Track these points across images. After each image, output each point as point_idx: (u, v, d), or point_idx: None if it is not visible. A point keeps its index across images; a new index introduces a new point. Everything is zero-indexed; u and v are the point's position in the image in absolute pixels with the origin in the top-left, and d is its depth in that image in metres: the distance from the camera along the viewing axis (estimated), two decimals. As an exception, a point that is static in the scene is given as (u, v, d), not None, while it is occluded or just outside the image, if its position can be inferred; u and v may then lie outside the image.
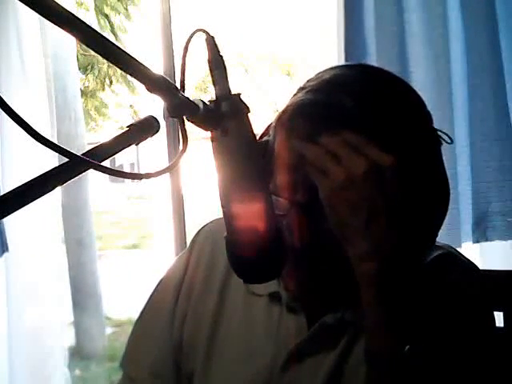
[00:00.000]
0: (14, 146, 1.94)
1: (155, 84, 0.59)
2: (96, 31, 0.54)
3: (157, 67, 1.92)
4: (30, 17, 1.94)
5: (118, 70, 0.61)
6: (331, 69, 0.80)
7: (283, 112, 0.79)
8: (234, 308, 0.90)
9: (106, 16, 8.09)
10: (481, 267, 0.87)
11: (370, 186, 0.68)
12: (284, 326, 0.85)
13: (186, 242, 1.95)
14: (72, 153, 0.51)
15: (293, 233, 0.76)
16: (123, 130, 0.59)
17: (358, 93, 0.75)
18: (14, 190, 0.50)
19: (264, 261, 0.68)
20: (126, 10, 8.22)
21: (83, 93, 8.26)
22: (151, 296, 0.97)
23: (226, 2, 11.87)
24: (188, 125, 0.63)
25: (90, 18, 7.45)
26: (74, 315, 4.94)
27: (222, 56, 0.66)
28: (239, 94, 0.66)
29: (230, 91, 0.65)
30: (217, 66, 0.66)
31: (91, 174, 1.94)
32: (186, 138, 0.63)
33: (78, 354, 4.73)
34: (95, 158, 0.54)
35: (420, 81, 1.65)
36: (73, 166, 0.53)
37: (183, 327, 0.92)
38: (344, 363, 0.82)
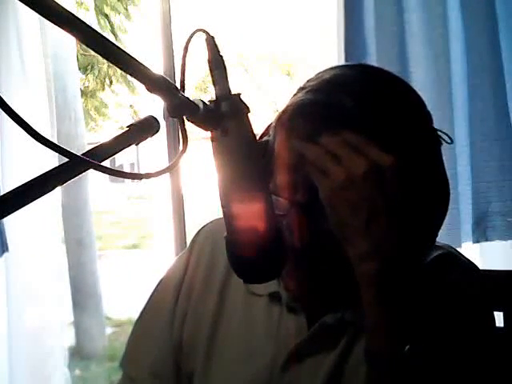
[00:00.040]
0: (14, 146, 1.94)
1: (155, 84, 0.59)
2: (96, 31, 0.54)
3: (157, 67, 1.92)
4: (30, 17, 1.94)
5: (118, 70, 0.61)
6: (331, 69, 0.80)
7: (283, 112, 0.79)
8: (234, 308, 0.90)
9: (106, 16, 8.09)
10: (481, 267, 0.87)
11: (370, 185, 0.68)
12: (284, 326, 0.85)
13: (185, 242, 1.95)
14: (72, 153, 0.51)
15: (293, 233, 0.76)
16: (123, 130, 0.59)
17: (358, 93, 0.75)
18: (13, 189, 0.50)
19: (264, 261, 0.68)
20: (126, 10, 8.22)
21: (83, 93, 8.27)
22: (151, 296, 0.97)
23: (225, 2, 11.87)
24: (188, 125, 0.63)
25: (89, 18, 7.45)
26: (74, 315, 4.94)
27: (221, 56, 0.66)
28: (239, 94, 0.66)
29: (229, 91, 0.65)
30: (217, 66, 0.66)
31: (91, 174, 1.94)
32: (186, 138, 0.63)
33: (78, 354, 4.73)
34: (95, 158, 0.54)
35: (420, 81, 1.65)
36: (73, 166, 0.53)
37: (183, 327, 0.92)
38: (344, 363, 0.82)
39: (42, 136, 0.49)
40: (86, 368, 4.62)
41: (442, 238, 0.84)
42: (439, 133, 0.79)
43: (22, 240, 1.98)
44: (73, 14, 0.52)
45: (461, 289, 0.81)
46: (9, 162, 1.95)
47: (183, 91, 0.62)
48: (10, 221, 1.91)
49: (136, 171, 4.69)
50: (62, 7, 0.51)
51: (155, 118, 0.60)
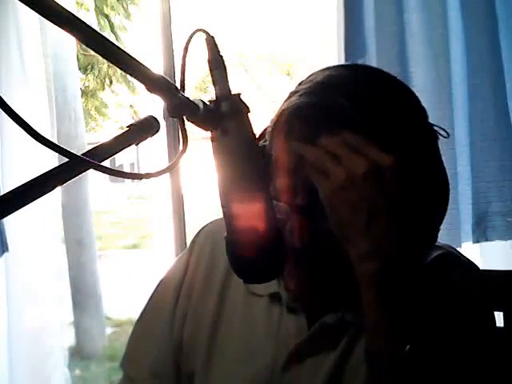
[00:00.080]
0: (14, 146, 1.94)
1: (155, 84, 0.59)
2: (96, 31, 0.54)
3: (157, 67, 1.92)
4: (30, 17, 1.94)
5: (118, 69, 0.61)
6: (323, 70, 0.79)
7: (279, 116, 0.78)
8: (234, 308, 0.90)
9: (106, 16, 8.10)
10: (481, 267, 0.87)
11: (370, 185, 0.68)
12: (284, 326, 0.85)
13: (185, 242, 1.95)
14: (72, 153, 0.51)
15: (293, 233, 0.76)
16: (123, 130, 0.59)
17: (353, 93, 0.75)
18: (13, 189, 0.50)
19: (264, 261, 0.68)
20: (126, 9, 8.23)
21: (83, 93, 8.27)
22: (151, 296, 0.97)
23: (226, 2, 11.87)
24: (188, 125, 0.63)
25: (89, 18, 7.45)
26: (74, 315, 4.94)
27: (221, 56, 0.66)
28: (239, 94, 0.66)
29: (229, 91, 0.65)
30: (217, 65, 0.66)
31: (91, 174, 1.94)
32: (186, 138, 0.62)
33: (78, 354, 4.73)
34: (95, 158, 0.54)
35: (420, 81, 1.65)
36: (73, 166, 0.53)
37: (183, 327, 0.92)
38: (344, 363, 0.82)
39: (41, 136, 0.49)
40: (86, 368, 4.62)
41: (442, 238, 0.84)
42: (436, 128, 0.79)
43: (21, 240, 1.98)
44: (73, 14, 0.52)
45: (461, 289, 0.81)
46: (9, 162, 1.95)
47: (183, 91, 0.62)
48: (10, 221, 1.91)
49: (136, 171, 4.69)
50: (62, 7, 0.51)
51: (155, 118, 0.60)
